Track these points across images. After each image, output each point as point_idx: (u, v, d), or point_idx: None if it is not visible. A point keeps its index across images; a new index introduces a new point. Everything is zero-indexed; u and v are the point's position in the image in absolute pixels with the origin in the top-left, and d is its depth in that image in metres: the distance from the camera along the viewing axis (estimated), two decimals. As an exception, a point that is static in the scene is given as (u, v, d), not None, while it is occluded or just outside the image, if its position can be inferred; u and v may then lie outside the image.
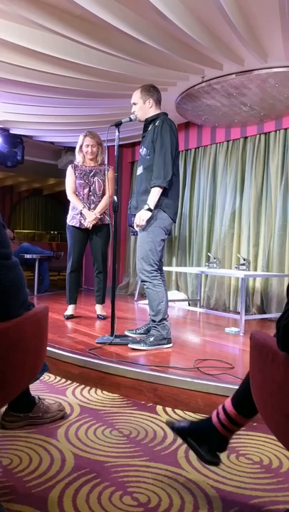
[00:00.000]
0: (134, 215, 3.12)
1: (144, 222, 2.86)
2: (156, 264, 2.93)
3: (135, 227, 2.97)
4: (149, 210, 2.84)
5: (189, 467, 1.62)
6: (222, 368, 2.49)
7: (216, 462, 1.41)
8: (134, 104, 3.04)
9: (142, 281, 2.99)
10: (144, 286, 2.95)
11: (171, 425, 1.51)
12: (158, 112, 3.04)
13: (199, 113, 4.72)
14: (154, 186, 2.84)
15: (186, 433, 1.45)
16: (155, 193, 2.84)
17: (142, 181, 2.98)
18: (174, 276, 5.66)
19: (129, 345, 2.89)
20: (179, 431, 1.48)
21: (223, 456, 1.70)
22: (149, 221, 2.87)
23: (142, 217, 2.86)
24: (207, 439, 1.41)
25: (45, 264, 6.33)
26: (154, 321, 2.93)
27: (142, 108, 3.03)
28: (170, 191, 2.92)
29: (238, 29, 3.00)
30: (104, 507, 1.35)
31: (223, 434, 1.39)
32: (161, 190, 2.85)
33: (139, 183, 3.02)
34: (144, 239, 2.92)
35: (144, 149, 2.99)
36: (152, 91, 3.03)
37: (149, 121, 3.04)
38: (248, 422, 1.39)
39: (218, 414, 1.40)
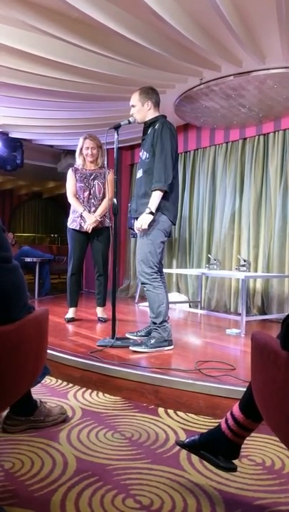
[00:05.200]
0: (135, 218, 3.12)
1: (146, 226, 2.85)
2: (156, 266, 2.93)
3: (136, 230, 2.97)
4: (151, 213, 2.84)
5: (192, 469, 1.62)
6: (223, 369, 2.49)
7: (232, 468, 1.39)
8: (133, 106, 3.04)
9: (142, 284, 2.98)
10: (145, 289, 2.95)
11: (181, 444, 1.49)
12: (157, 114, 3.04)
13: (198, 115, 4.73)
14: (155, 190, 2.84)
15: (198, 446, 1.43)
16: (156, 197, 2.84)
17: (142, 184, 2.98)
18: (174, 278, 5.66)
19: (130, 348, 2.88)
20: (191, 446, 1.46)
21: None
22: (150, 224, 2.87)
23: (143, 220, 2.85)
24: (219, 448, 1.39)
25: (46, 267, 6.33)
26: (154, 323, 2.93)
27: (141, 110, 3.03)
28: (170, 194, 2.92)
29: (236, 31, 3.01)
30: (107, 510, 1.35)
31: (233, 440, 1.37)
32: (162, 194, 2.84)
33: (139, 187, 3.02)
34: (144, 241, 2.92)
35: (144, 153, 2.99)
36: (151, 93, 3.03)
37: (148, 124, 3.04)
38: (257, 426, 1.36)
39: (226, 420, 1.39)
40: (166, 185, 2.83)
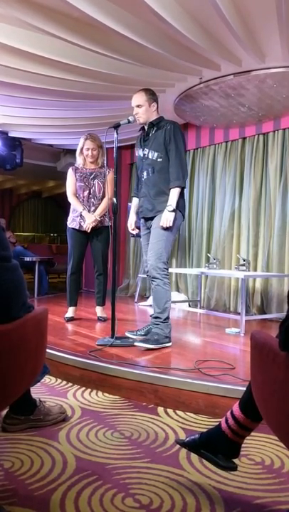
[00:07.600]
0: (146, 218, 3.13)
1: (171, 223, 2.92)
2: (168, 262, 3.01)
3: (161, 226, 2.94)
4: (173, 210, 2.93)
5: (191, 468, 1.62)
6: (223, 368, 2.49)
7: (232, 467, 1.40)
8: (138, 106, 3.06)
9: (152, 278, 2.99)
10: (154, 283, 2.97)
11: (181, 443, 1.50)
12: (159, 115, 3.12)
13: (198, 114, 4.72)
14: (175, 187, 2.94)
15: (198, 445, 1.43)
16: (176, 194, 2.95)
17: (155, 184, 3.03)
18: (174, 278, 5.66)
19: (135, 344, 2.89)
20: (191, 445, 1.46)
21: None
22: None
23: (168, 218, 2.92)
24: (219, 447, 1.39)
25: (41, 267, 6.32)
26: (159, 318, 2.95)
27: (147, 111, 3.06)
28: (183, 192, 3.04)
29: (236, 30, 3.01)
30: (106, 509, 1.35)
31: (234, 439, 1.37)
32: (180, 191, 2.96)
33: (151, 186, 3.06)
34: (160, 237, 2.97)
35: (155, 152, 3.03)
36: (155, 95, 3.11)
37: (152, 125, 3.07)
38: (257, 426, 1.36)
39: (226, 419, 1.39)
40: (185, 182, 2.97)
